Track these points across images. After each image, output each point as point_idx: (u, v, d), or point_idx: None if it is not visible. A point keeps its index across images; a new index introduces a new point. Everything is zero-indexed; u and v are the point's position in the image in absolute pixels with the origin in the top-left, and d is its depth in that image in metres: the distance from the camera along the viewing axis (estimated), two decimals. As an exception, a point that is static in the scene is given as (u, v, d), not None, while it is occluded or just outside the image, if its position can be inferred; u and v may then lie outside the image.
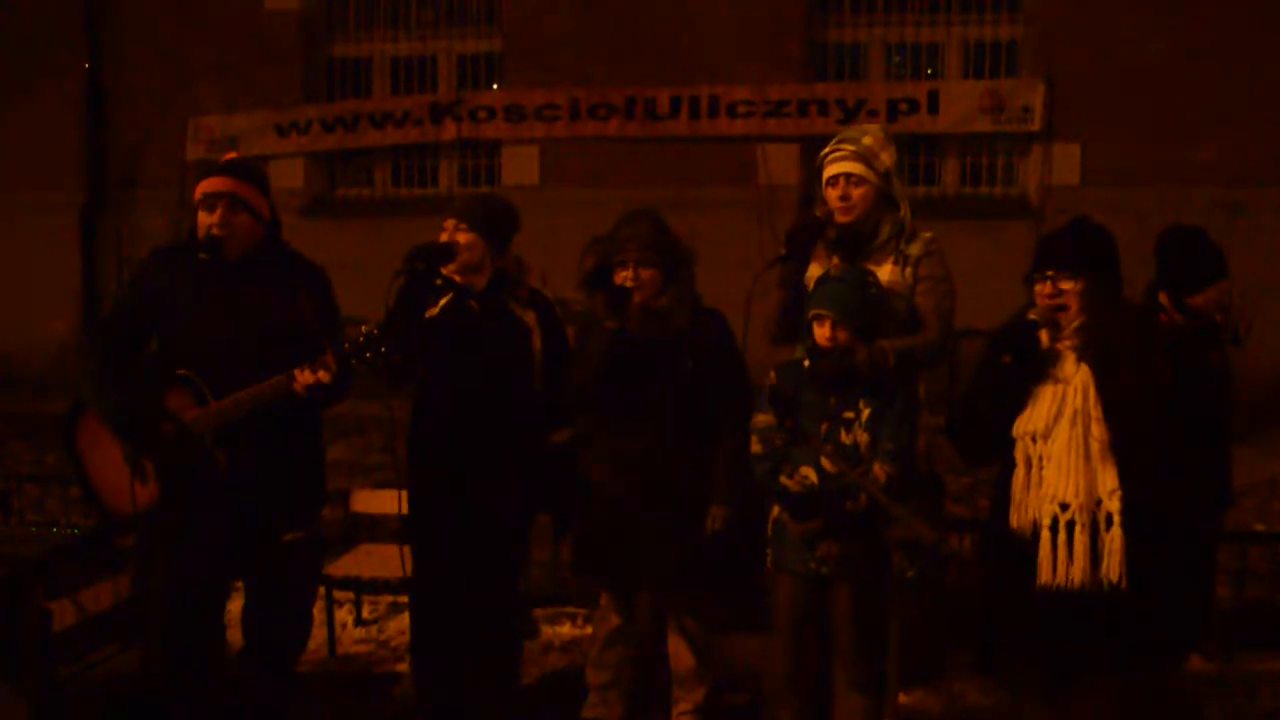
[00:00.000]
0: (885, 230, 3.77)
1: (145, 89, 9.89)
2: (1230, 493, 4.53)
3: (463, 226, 3.90)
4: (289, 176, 9.64)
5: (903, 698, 4.23)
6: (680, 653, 4.01)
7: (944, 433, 3.54)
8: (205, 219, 3.58)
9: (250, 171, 3.72)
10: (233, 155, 3.93)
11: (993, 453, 3.34)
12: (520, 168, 9.48)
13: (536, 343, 3.95)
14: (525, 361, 3.93)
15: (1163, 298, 4.30)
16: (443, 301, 3.93)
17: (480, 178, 9.77)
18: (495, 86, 9.64)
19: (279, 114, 9.76)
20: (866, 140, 3.77)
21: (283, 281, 3.64)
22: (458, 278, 3.93)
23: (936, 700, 4.40)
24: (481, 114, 9.43)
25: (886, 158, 3.76)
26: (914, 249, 3.77)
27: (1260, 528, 6.00)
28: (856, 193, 3.72)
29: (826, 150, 3.81)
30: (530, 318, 3.96)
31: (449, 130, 9.50)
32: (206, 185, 3.62)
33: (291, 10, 9.74)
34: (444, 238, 3.90)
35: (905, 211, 3.81)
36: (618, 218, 3.93)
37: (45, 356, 9.10)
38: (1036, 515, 3.19)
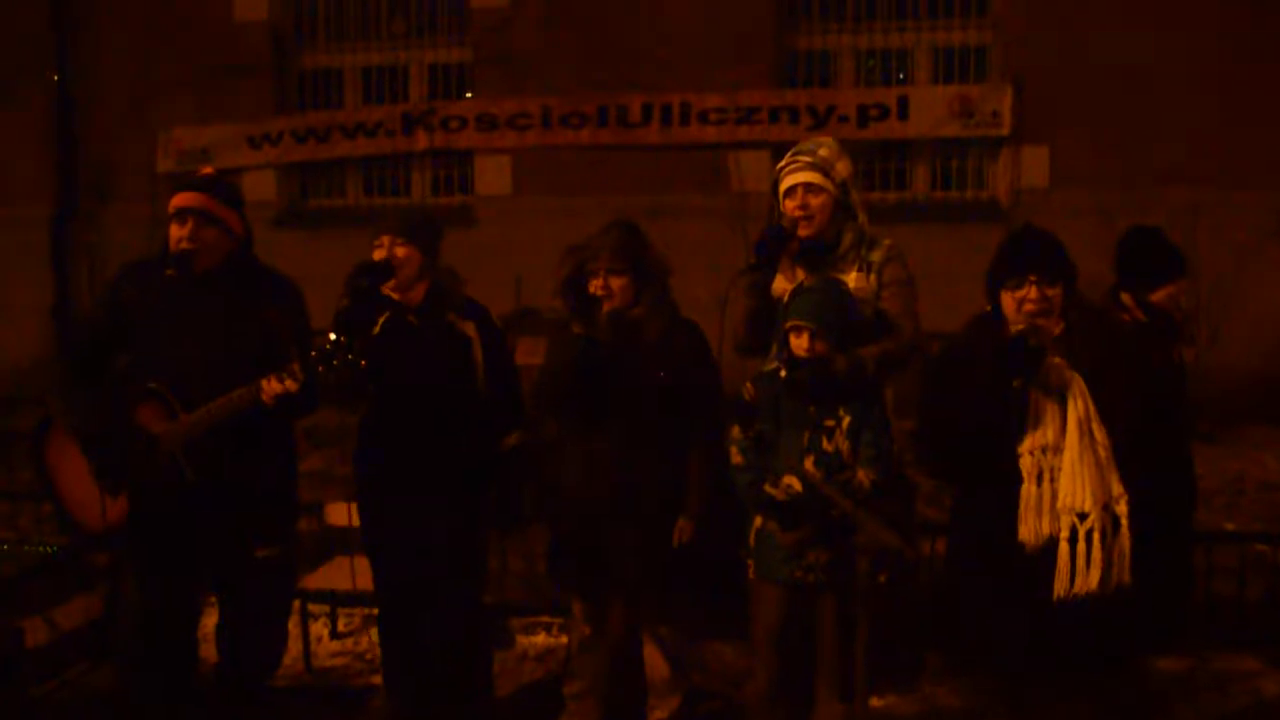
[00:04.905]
0: (847, 239, 3.78)
1: (115, 101, 9.80)
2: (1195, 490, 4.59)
3: (399, 241, 3.87)
4: (261, 188, 9.57)
5: (875, 702, 4.25)
6: (655, 661, 4.03)
7: (911, 436, 3.55)
8: (176, 232, 3.62)
9: (223, 186, 3.75)
10: (208, 170, 3.96)
11: (979, 471, 3.32)
12: (492, 177, 9.47)
13: (478, 352, 3.92)
14: (469, 372, 3.91)
15: (1125, 297, 4.35)
16: (381, 320, 3.89)
17: (453, 187, 9.75)
18: (467, 96, 9.62)
19: (250, 126, 9.71)
20: (823, 151, 3.80)
21: (252, 295, 3.65)
22: (395, 295, 3.91)
23: (908, 704, 4.41)
24: (453, 123, 9.43)
25: (843, 168, 3.79)
26: (876, 255, 3.78)
27: (1230, 526, 6.05)
28: (815, 202, 3.73)
29: (783, 163, 3.85)
30: (470, 328, 3.94)
31: (421, 140, 9.49)
32: (179, 200, 3.66)
33: (261, 21, 9.68)
34: (378, 255, 3.87)
35: (864, 219, 3.83)
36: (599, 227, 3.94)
37: (16, 371, 9.00)
38: (1054, 529, 3.16)
